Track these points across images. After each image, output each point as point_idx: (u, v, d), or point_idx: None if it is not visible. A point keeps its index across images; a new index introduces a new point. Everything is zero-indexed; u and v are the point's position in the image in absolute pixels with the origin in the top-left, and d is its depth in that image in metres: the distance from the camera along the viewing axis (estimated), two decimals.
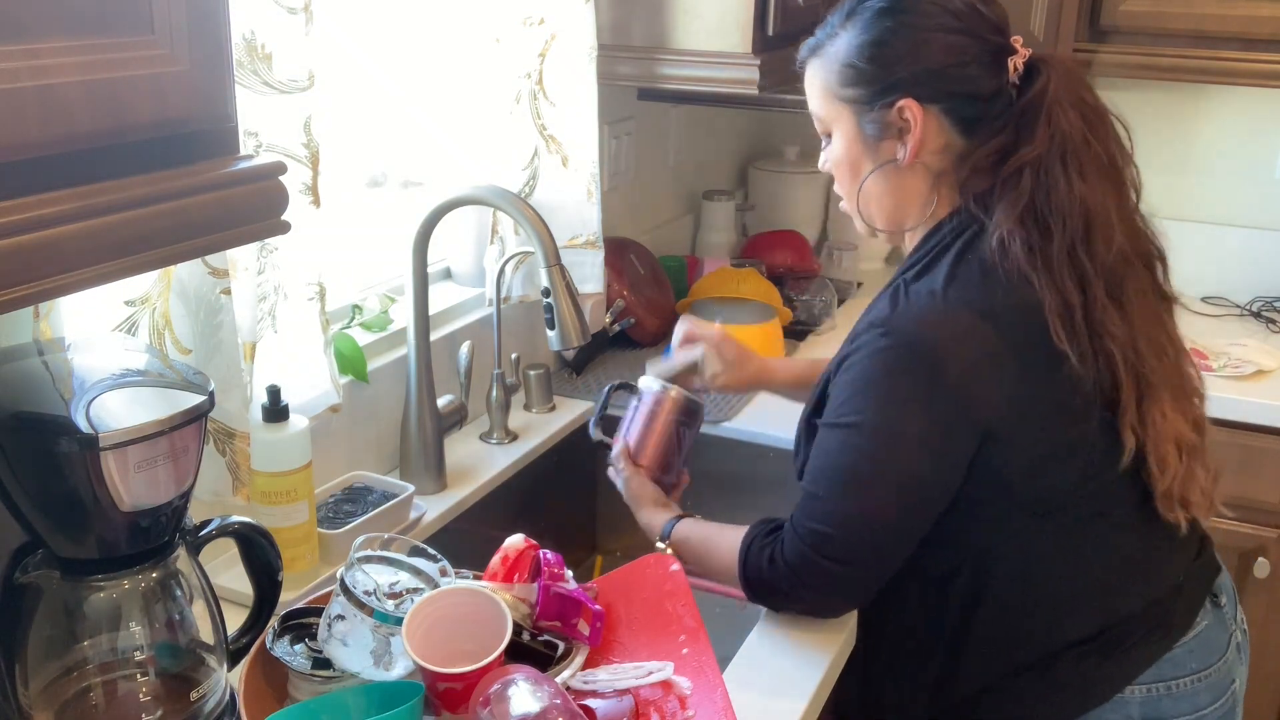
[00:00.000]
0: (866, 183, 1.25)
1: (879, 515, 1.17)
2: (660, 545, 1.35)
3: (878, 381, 1.14)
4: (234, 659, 1.06)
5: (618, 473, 1.49)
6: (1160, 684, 1.22)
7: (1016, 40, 1.21)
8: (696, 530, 1.34)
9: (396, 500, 1.43)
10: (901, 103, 1.19)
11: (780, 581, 1.21)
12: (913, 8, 1.19)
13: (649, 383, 1.52)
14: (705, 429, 1.83)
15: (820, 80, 1.25)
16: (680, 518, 1.37)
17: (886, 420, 1.14)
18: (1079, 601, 1.22)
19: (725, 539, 1.28)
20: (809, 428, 1.26)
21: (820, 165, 1.32)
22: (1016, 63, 1.19)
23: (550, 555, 1.16)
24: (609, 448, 1.52)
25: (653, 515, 1.41)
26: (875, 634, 1.29)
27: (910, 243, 1.28)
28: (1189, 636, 1.24)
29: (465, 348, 1.66)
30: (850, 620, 1.28)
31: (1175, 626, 1.24)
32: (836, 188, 1.31)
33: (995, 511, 1.19)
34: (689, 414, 1.50)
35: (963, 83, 1.18)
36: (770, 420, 1.82)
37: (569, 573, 1.18)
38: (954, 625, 1.23)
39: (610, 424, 1.57)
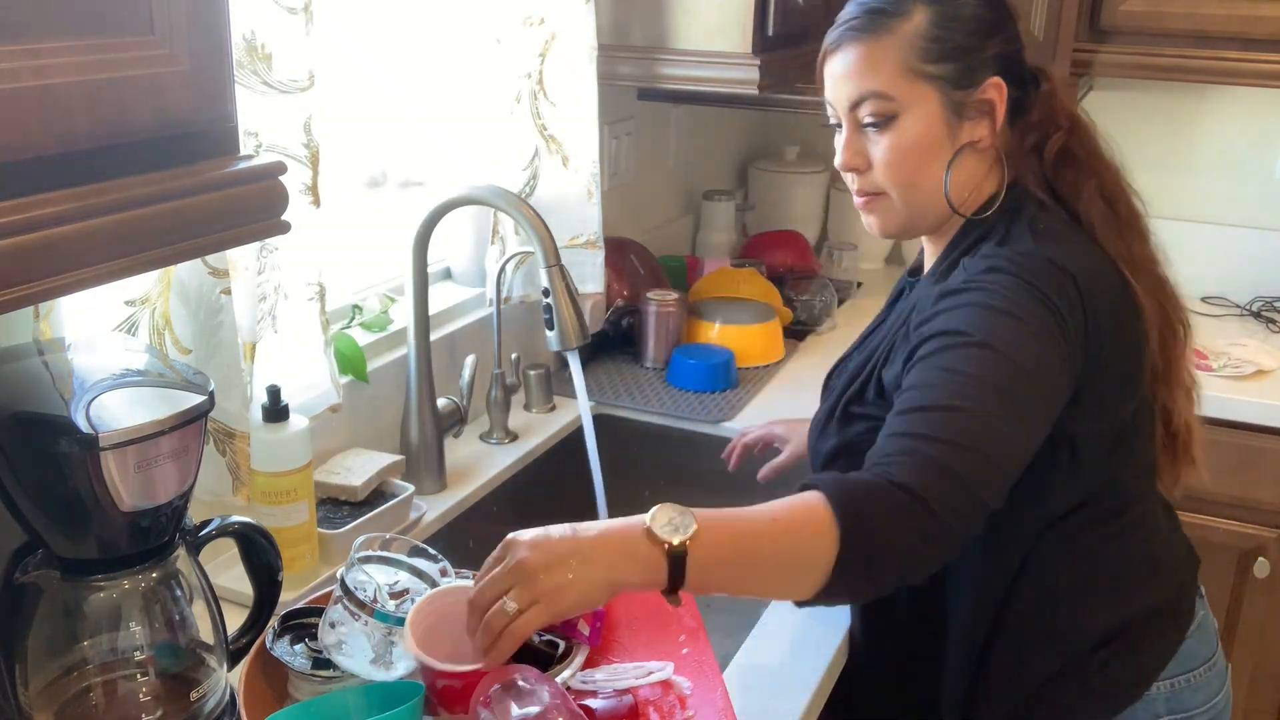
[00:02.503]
0: (946, 169, 1.17)
1: (1020, 429, 1.03)
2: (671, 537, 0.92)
3: (1005, 299, 1.06)
4: (234, 659, 1.06)
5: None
6: (1180, 676, 1.23)
7: None
8: (718, 514, 0.96)
9: (396, 500, 1.43)
10: (992, 80, 1.15)
11: (915, 514, 0.95)
12: None
13: None
14: (706, 429, 1.84)
15: (895, 56, 1.14)
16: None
17: (1019, 319, 1.05)
18: (1099, 601, 1.21)
19: (766, 507, 0.98)
20: (845, 415, 1.21)
21: (847, 160, 1.20)
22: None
23: None
24: None
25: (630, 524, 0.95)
26: (894, 655, 1.27)
27: (943, 235, 1.24)
28: (1193, 627, 1.26)
29: (469, 363, 1.65)
30: (847, 620, 1.28)
31: (1184, 619, 1.26)
32: (883, 179, 1.19)
33: (1047, 501, 1.16)
34: None
35: (1021, 64, 1.20)
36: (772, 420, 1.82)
37: None
38: (982, 635, 1.21)
39: None
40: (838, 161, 1.22)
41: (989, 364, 1.03)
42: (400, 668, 1.02)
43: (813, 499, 0.96)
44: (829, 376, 1.38)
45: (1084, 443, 1.14)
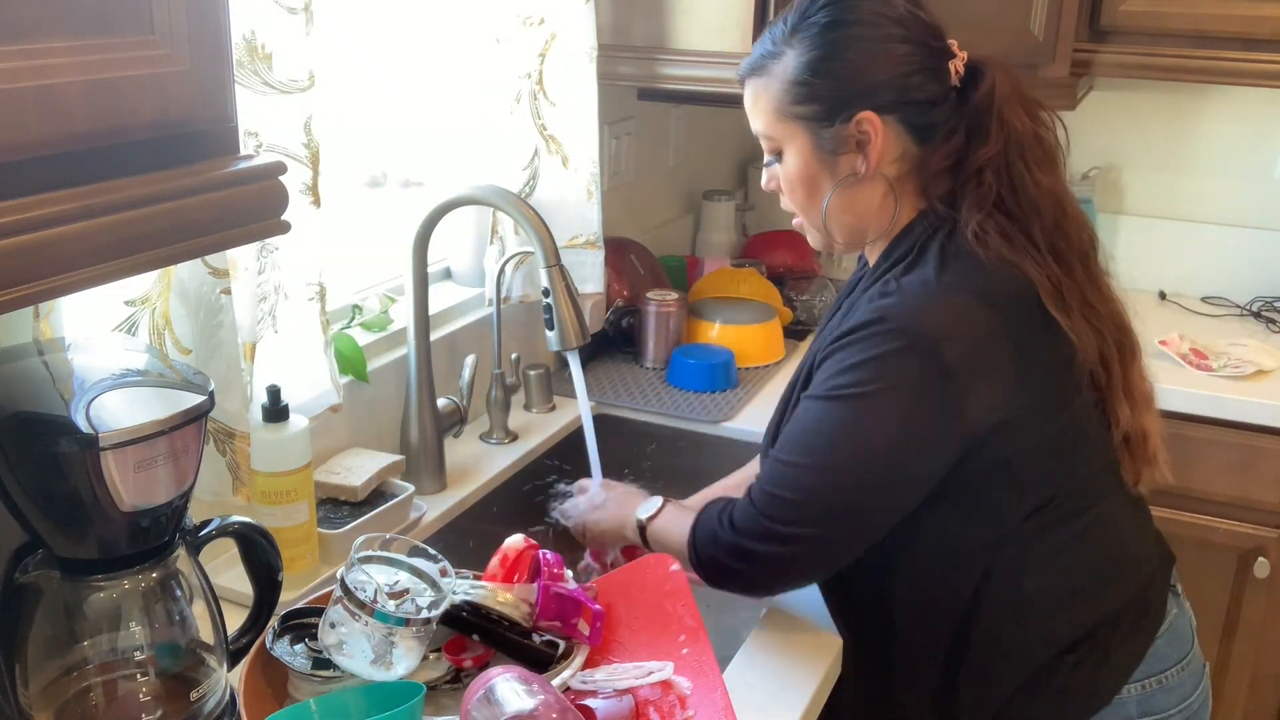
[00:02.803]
0: (829, 200, 1.24)
1: (840, 488, 1.15)
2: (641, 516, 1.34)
3: (871, 361, 1.12)
4: (234, 659, 1.06)
5: (585, 496, 1.47)
6: (1151, 678, 1.24)
7: (953, 44, 1.22)
8: (671, 514, 1.33)
9: (396, 500, 1.43)
10: (860, 116, 1.18)
11: (723, 547, 1.20)
12: (860, 20, 1.18)
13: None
14: (704, 429, 1.84)
15: (768, 99, 1.23)
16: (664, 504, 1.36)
17: (873, 397, 1.13)
18: (1065, 605, 1.21)
19: (684, 519, 1.28)
20: (786, 405, 1.28)
21: (764, 184, 1.30)
22: (957, 66, 1.21)
23: (549, 555, 1.16)
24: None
25: (628, 513, 1.38)
26: (869, 670, 1.27)
27: (873, 250, 1.28)
28: (1164, 627, 1.26)
29: (469, 363, 1.65)
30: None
31: (1152, 619, 1.26)
32: (788, 205, 1.29)
33: (999, 521, 1.18)
34: None
35: (915, 90, 1.19)
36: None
37: (569, 573, 1.18)
38: (950, 647, 1.22)
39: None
40: (762, 184, 1.33)
41: (813, 422, 1.17)
42: (400, 668, 1.02)
43: (685, 536, 1.26)
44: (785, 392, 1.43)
45: (1019, 461, 1.16)
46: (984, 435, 1.13)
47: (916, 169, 1.22)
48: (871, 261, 1.28)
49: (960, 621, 1.21)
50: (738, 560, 1.20)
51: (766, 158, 1.28)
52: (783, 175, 1.26)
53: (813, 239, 1.31)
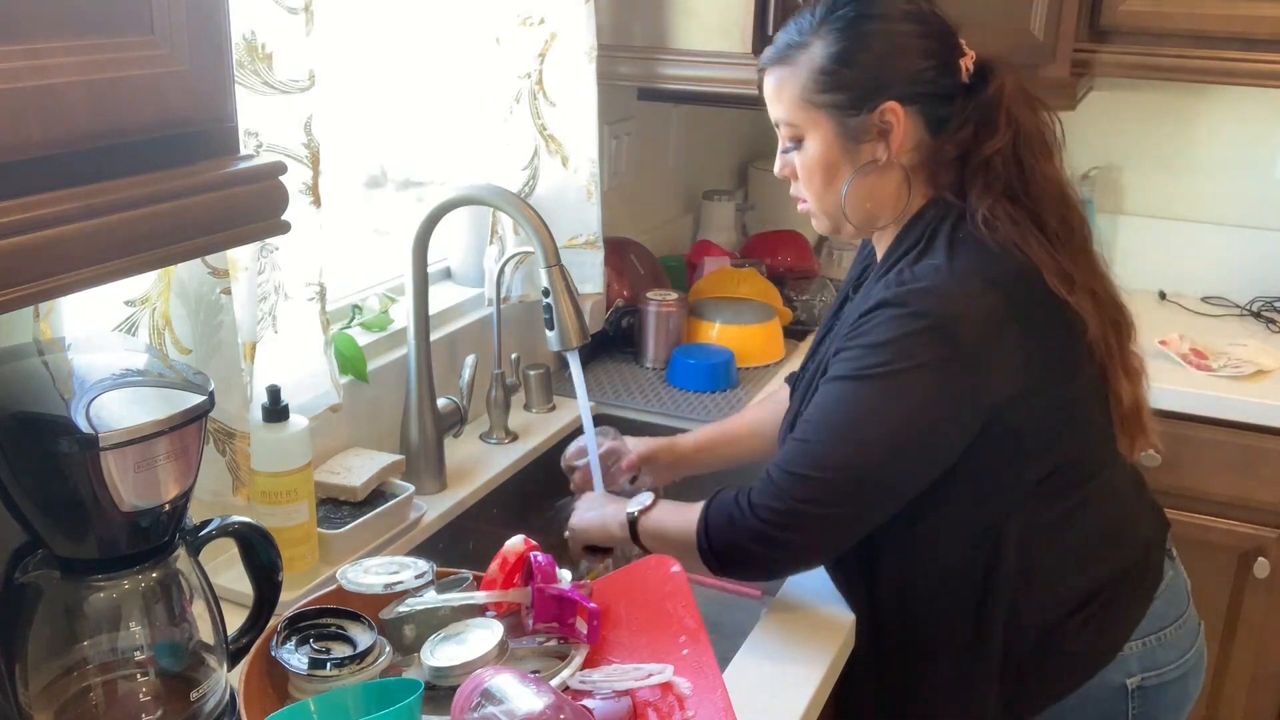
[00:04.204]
0: (848, 186, 1.27)
1: (865, 464, 1.19)
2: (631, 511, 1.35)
3: (890, 342, 1.17)
4: (234, 659, 1.06)
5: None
6: (1151, 635, 1.31)
7: (964, 43, 1.27)
8: (666, 508, 1.35)
9: (396, 500, 1.43)
10: (885, 105, 1.22)
11: (744, 531, 1.21)
12: (885, 15, 1.24)
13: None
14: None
15: (792, 87, 1.26)
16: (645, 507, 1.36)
17: (894, 377, 1.17)
18: (1071, 568, 1.28)
19: (683, 512, 1.31)
20: (809, 389, 1.31)
21: (778, 171, 1.33)
22: (966, 64, 1.26)
23: (541, 558, 1.16)
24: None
25: (617, 510, 1.39)
26: (887, 650, 1.31)
27: (882, 237, 1.32)
28: (1162, 588, 1.33)
29: (469, 363, 1.65)
30: (850, 620, 1.29)
31: (1151, 581, 1.33)
32: (802, 191, 1.31)
33: (1010, 491, 1.24)
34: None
35: (934, 84, 1.24)
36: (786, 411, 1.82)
37: (566, 573, 1.18)
38: (969, 620, 1.26)
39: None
40: (775, 171, 1.35)
41: (839, 402, 1.20)
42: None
43: (695, 524, 1.27)
44: (794, 383, 1.49)
45: (1030, 430, 1.22)
46: (999, 409, 1.19)
47: (928, 159, 1.26)
48: (881, 249, 1.32)
49: (978, 592, 1.25)
50: (759, 544, 1.22)
51: (783, 145, 1.31)
52: (801, 162, 1.29)
53: (819, 224, 1.33)
